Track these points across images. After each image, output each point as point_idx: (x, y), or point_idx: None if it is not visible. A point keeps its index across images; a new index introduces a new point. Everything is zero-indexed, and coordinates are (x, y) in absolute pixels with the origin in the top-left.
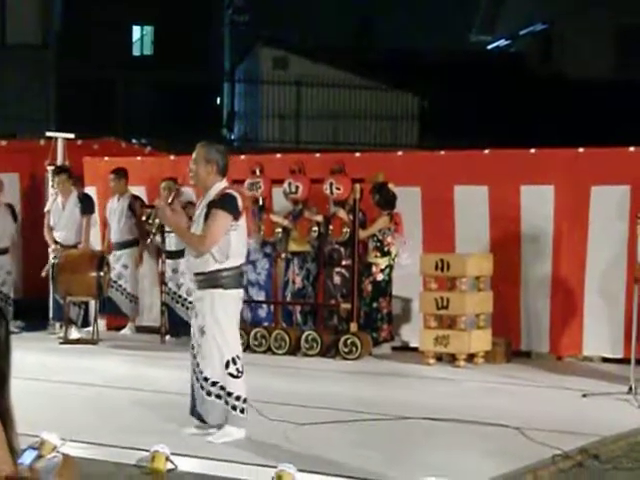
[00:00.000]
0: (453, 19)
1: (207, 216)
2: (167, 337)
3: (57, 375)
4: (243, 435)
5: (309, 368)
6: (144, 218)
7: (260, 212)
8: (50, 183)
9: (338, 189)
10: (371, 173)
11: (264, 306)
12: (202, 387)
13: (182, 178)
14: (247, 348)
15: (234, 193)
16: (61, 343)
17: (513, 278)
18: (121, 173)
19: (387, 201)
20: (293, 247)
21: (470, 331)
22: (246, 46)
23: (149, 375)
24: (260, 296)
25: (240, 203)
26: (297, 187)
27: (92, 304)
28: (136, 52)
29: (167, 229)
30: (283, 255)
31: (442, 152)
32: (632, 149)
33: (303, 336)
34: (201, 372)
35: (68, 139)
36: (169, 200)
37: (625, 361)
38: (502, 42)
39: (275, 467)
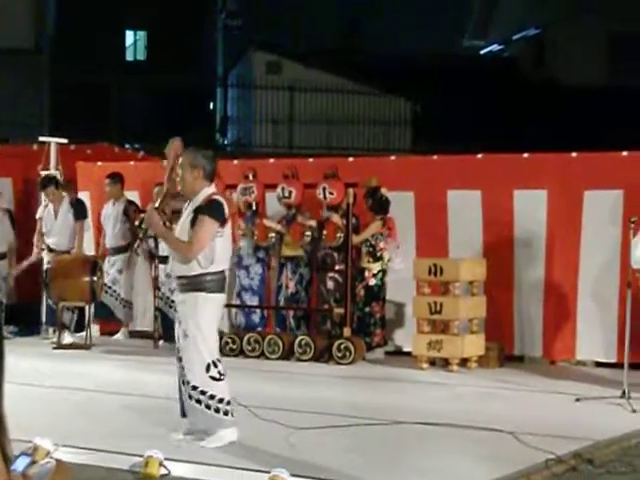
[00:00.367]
0: (446, 24)
1: (194, 222)
2: (160, 342)
3: (50, 380)
4: (236, 437)
5: (302, 373)
6: (137, 223)
7: (253, 217)
8: (42, 195)
9: (331, 194)
10: (364, 178)
11: (257, 311)
12: (186, 390)
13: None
14: (240, 353)
15: (221, 199)
16: (54, 348)
17: (506, 283)
18: (117, 178)
19: (380, 206)
20: (286, 252)
21: (463, 336)
22: (239, 51)
23: (142, 380)
24: (253, 301)
25: (226, 209)
26: (290, 192)
27: (86, 309)
28: (129, 57)
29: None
30: (274, 261)
31: (435, 157)
32: (625, 154)
33: (296, 341)
34: (184, 375)
35: (61, 144)
36: (156, 205)
37: (618, 365)
38: (495, 47)
39: (268, 472)
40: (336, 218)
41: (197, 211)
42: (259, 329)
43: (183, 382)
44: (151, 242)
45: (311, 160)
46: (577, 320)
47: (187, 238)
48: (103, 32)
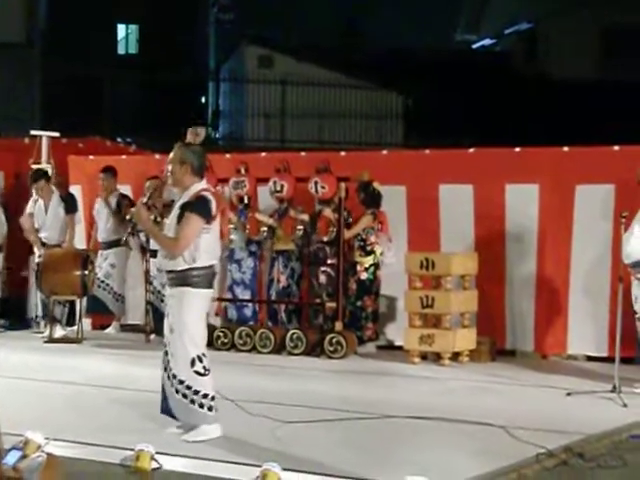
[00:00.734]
0: (438, 18)
1: (180, 218)
2: (152, 336)
3: (41, 374)
4: (218, 433)
5: (294, 367)
6: (128, 217)
7: (245, 211)
8: (32, 189)
9: (323, 188)
10: (356, 172)
11: (249, 305)
12: (172, 384)
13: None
14: (232, 347)
15: (209, 196)
16: (45, 342)
17: (498, 277)
18: (112, 171)
19: (372, 200)
20: (278, 246)
21: (455, 330)
22: (231, 44)
23: (133, 374)
24: (245, 295)
25: (214, 206)
26: (282, 186)
27: (77, 302)
28: (121, 51)
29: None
30: (267, 255)
31: (427, 151)
32: (616, 148)
33: (288, 335)
34: (171, 369)
35: (53, 138)
36: (144, 200)
37: (609, 360)
38: (487, 41)
39: (260, 466)
40: (328, 212)
41: (184, 208)
42: (251, 323)
43: (170, 376)
44: (142, 236)
45: (303, 154)
46: (568, 314)
47: (174, 234)
48: (95, 26)
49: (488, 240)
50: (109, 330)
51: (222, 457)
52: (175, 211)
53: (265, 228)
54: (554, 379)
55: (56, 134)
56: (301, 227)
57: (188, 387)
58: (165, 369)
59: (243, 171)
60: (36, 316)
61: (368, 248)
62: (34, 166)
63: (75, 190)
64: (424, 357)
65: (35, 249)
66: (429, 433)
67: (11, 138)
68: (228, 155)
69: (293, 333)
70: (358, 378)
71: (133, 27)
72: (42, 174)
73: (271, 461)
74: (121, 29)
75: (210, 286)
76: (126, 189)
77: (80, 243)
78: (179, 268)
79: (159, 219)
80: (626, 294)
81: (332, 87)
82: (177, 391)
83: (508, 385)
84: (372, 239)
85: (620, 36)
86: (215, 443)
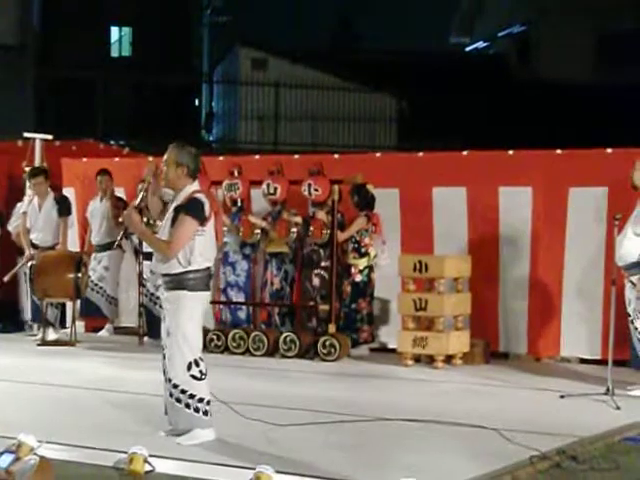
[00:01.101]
0: (431, 21)
1: (174, 221)
2: (145, 338)
3: (34, 376)
4: (212, 437)
5: (287, 369)
6: (120, 220)
7: (239, 213)
8: (27, 185)
9: (317, 190)
10: (350, 175)
11: (243, 307)
12: (167, 388)
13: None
14: (225, 349)
15: (202, 198)
16: (38, 345)
17: (491, 279)
18: (109, 173)
19: (366, 202)
20: (271, 248)
21: (448, 332)
22: (225, 47)
23: (126, 377)
24: (239, 297)
25: (207, 208)
26: (276, 188)
27: (69, 305)
28: (114, 53)
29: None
30: (260, 258)
31: (420, 154)
32: (609, 151)
33: (281, 337)
34: (168, 373)
35: (46, 140)
36: (135, 204)
37: (602, 362)
38: (480, 44)
39: (253, 469)
40: (321, 215)
41: (177, 210)
42: (245, 325)
43: (166, 380)
44: (135, 238)
45: (296, 157)
46: (562, 317)
47: (168, 237)
48: (88, 28)
49: (481, 243)
50: (102, 333)
51: (215, 460)
52: (169, 214)
53: (258, 231)
54: (547, 382)
55: (49, 136)
56: (294, 230)
57: (183, 391)
58: (164, 372)
59: (236, 174)
60: (30, 319)
61: (362, 250)
62: (27, 169)
63: (68, 192)
64: (417, 360)
65: (25, 250)
66: (422, 436)
67: (4, 140)
68: (221, 157)
69: (286, 336)
70: (351, 381)
71: (126, 30)
72: (42, 170)
73: (264, 464)
74: (114, 32)
75: (207, 288)
76: (119, 192)
77: (73, 245)
78: (174, 271)
79: (152, 222)
80: (619, 296)
81: (326, 90)
82: (171, 395)
83: (501, 387)
84: (366, 241)
85: (613, 39)
86: (208, 446)
